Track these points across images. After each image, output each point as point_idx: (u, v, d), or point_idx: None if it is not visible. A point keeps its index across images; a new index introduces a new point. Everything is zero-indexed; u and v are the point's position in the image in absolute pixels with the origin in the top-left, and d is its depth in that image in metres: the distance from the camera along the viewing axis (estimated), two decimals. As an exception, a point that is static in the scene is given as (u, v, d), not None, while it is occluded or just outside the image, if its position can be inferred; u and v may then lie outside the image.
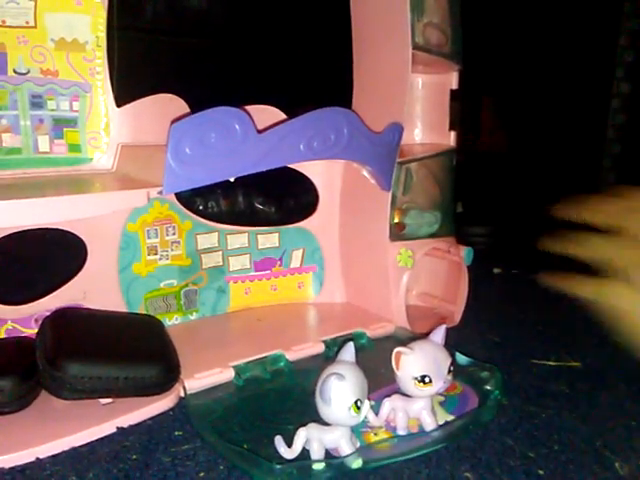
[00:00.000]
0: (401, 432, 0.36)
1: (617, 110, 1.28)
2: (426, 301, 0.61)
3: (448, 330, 0.39)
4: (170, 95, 0.51)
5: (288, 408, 0.40)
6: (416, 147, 0.59)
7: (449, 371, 0.36)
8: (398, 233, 0.54)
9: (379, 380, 0.40)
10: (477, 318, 0.57)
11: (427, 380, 0.35)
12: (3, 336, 0.44)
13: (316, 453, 0.33)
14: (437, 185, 0.57)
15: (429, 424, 0.36)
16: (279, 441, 0.34)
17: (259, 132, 0.41)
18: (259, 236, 0.57)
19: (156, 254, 0.51)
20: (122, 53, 0.50)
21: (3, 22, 0.44)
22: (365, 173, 0.53)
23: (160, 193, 0.40)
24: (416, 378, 0.35)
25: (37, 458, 0.34)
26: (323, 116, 0.43)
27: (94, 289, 0.48)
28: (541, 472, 0.33)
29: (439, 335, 0.38)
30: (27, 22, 0.45)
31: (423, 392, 0.36)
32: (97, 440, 0.36)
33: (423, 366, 0.36)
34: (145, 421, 0.38)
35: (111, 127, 0.49)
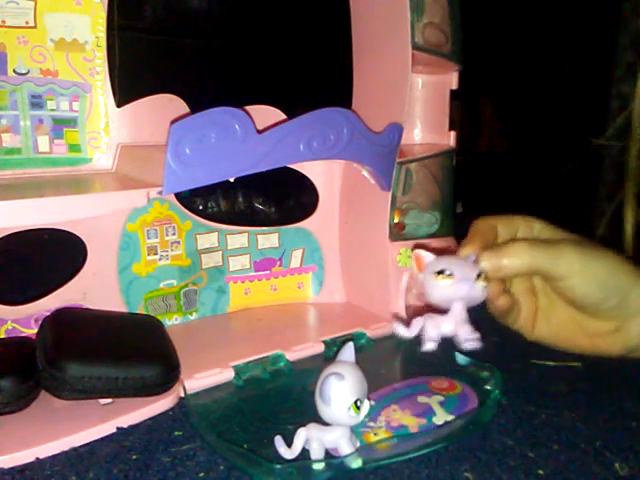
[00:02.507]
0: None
1: (617, 110, 1.28)
2: (426, 301, 0.61)
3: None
4: (170, 95, 0.51)
5: (288, 408, 0.40)
6: (416, 147, 0.59)
7: (478, 276, 0.35)
8: (398, 233, 0.54)
9: (379, 380, 0.40)
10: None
11: (448, 273, 0.34)
12: (3, 336, 0.44)
13: (316, 453, 0.33)
14: (437, 185, 0.57)
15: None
16: (279, 441, 0.34)
17: (259, 132, 0.41)
18: (259, 236, 0.57)
19: (156, 254, 0.51)
20: (122, 53, 0.50)
21: (3, 22, 0.44)
22: (365, 173, 0.53)
23: (160, 193, 0.40)
24: (437, 272, 0.35)
25: (37, 458, 0.34)
26: (323, 116, 0.43)
27: (94, 289, 0.48)
28: (541, 472, 0.33)
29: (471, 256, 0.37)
30: (27, 22, 0.45)
31: (444, 283, 0.35)
32: (97, 440, 0.36)
33: (446, 262, 0.35)
34: (145, 421, 0.38)
35: (111, 127, 0.49)
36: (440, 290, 0.35)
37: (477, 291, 0.35)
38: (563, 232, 0.41)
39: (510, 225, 0.41)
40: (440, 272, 0.35)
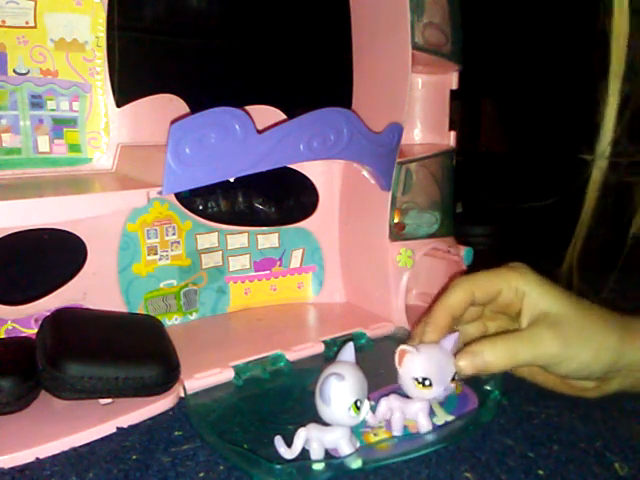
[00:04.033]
0: (396, 433, 0.36)
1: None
2: (426, 301, 0.61)
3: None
4: (170, 95, 0.51)
5: (288, 408, 0.40)
6: (416, 147, 0.59)
7: (452, 379, 0.36)
8: (398, 233, 0.54)
9: (379, 380, 0.40)
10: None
11: (427, 383, 0.35)
12: (3, 336, 0.44)
13: (316, 453, 0.33)
14: (437, 185, 0.57)
15: (424, 426, 0.35)
16: (279, 441, 0.34)
17: (259, 132, 0.41)
18: (259, 236, 0.57)
19: (156, 254, 0.51)
20: (122, 53, 0.50)
21: (3, 22, 0.44)
22: (365, 173, 0.53)
23: (160, 193, 0.40)
24: (416, 379, 0.35)
25: (37, 458, 0.34)
26: (323, 116, 0.43)
27: (94, 289, 0.48)
28: (541, 472, 0.33)
29: (450, 342, 0.37)
30: (27, 22, 0.45)
31: (421, 394, 0.35)
32: (97, 440, 0.36)
33: (425, 368, 0.35)
34: (145, 421, 0.38)
35: (111, 127, 0.49)
36: (416, 394, 0.36)
37: (447, 391, 0.36)
38: (553, 291, 0.39)
39: (490, 288, 0.40)
40: (421, 381, 0.35)
